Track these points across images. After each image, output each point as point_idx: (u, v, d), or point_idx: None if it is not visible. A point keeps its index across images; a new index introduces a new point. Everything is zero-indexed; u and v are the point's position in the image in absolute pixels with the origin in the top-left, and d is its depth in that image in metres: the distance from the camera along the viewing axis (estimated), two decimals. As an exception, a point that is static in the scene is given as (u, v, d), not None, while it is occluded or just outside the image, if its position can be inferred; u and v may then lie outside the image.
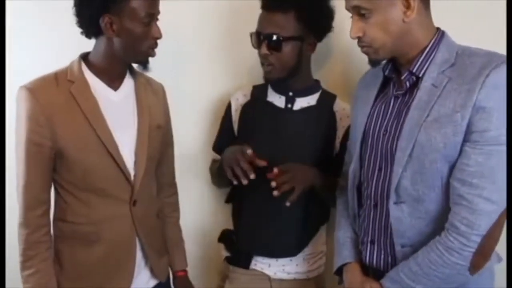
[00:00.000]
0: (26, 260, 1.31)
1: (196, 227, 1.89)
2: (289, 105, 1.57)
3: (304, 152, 1.53)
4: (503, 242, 1.17)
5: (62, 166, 1.32)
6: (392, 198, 1.19)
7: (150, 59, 1.37)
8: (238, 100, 1.67)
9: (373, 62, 1.25)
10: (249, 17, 1.53)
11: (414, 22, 1.16)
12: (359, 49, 1.24)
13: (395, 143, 1.19)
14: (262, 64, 1.52)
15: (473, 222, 1.08)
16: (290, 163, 1.44)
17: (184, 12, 1.75)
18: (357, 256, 1.34)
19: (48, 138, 1.28)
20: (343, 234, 1.40)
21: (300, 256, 1.59)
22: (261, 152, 1.47)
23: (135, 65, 1.41)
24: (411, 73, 1.19)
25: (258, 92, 1.63)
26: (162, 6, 1.35)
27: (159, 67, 1.44)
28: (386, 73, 1.28)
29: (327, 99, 1.60)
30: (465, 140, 1.10)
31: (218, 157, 1.67)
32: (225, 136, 1.69)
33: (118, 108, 1.37)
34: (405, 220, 1.18)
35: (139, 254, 1.43)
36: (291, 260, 1.59)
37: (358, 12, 1.17)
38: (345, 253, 1.36)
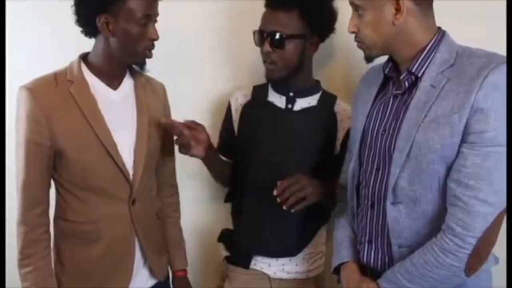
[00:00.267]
0: (24, 258, 1.32)
1: (195, 226, 1.90)
2: (290, 106, 1.57)
3: (304, 152, 1.53)
4: (503, 243, 1.17)
5: (62, 166, 1.33)
6: (389, 198, 1.19)
7: (151, 59, 1.37)
8: (238, 100, 1.66)
9: (368, 58, 1.26)
10: (249, 17, 1.53)
11: (409, 24, 1.15)
12: (360, 50, 1.25)
13: (393, 143, 1.19)
14: (264, 62, 1.51)
15: (469, 224, 1.08)
16: (300, 174, 1.37)
17: (184, 12, 1.74)
18: (355, 256, 1.34)
19: (47, 137, 1.29)
20: (342, 233, 1.40)
21: (300, 256, 1.59)
22: (261, 152, 1.47)
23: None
24: (410, 72, 1.18)
25: (259, 92, 1.63)
26: (162, 6, 1.35)
27: (159, 67, 1.44)
28: (386, 72, 1.28)
29: (328, 99, 1.59)
30: (463, 141, 1.09)
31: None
32: (226, 136, 1.69)
33: (117, 108, 1.38)
34: (402, 220, 1.18)
35: (138, 254, 1.43)
36: (290, 259, 1.59)
37: (354, 8, 1.19)
38: (343, 253, 1.36)
